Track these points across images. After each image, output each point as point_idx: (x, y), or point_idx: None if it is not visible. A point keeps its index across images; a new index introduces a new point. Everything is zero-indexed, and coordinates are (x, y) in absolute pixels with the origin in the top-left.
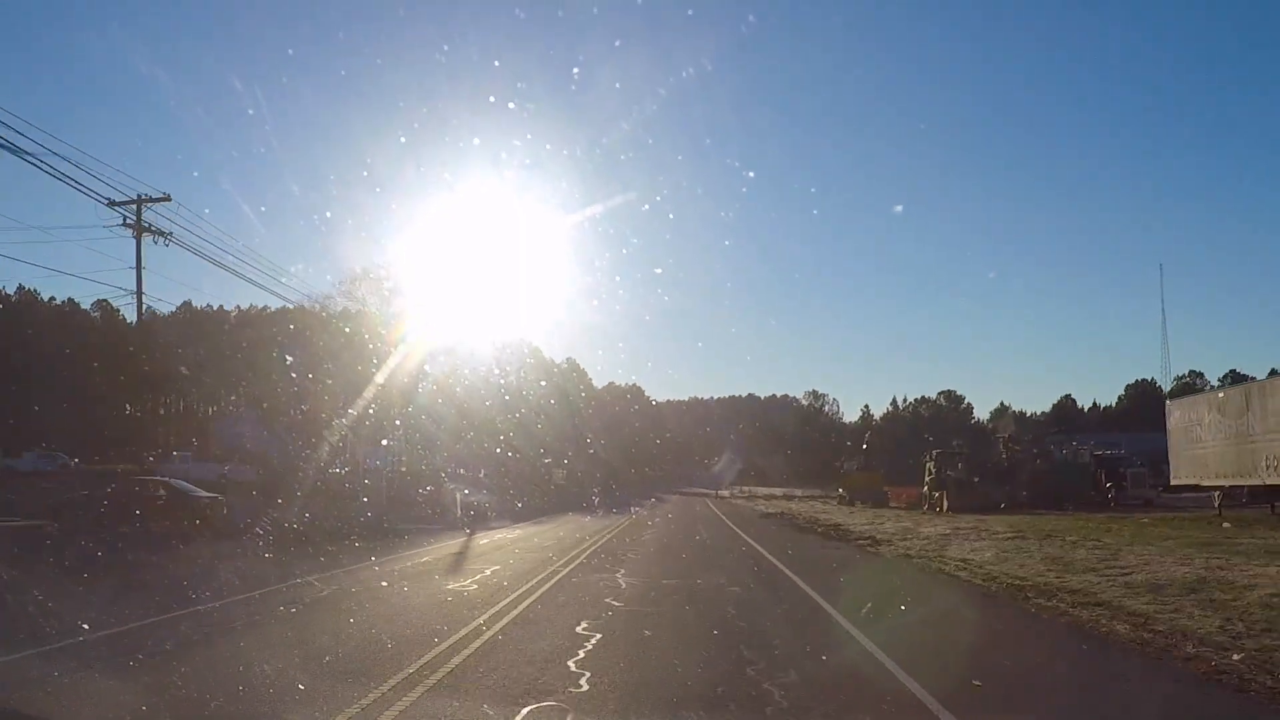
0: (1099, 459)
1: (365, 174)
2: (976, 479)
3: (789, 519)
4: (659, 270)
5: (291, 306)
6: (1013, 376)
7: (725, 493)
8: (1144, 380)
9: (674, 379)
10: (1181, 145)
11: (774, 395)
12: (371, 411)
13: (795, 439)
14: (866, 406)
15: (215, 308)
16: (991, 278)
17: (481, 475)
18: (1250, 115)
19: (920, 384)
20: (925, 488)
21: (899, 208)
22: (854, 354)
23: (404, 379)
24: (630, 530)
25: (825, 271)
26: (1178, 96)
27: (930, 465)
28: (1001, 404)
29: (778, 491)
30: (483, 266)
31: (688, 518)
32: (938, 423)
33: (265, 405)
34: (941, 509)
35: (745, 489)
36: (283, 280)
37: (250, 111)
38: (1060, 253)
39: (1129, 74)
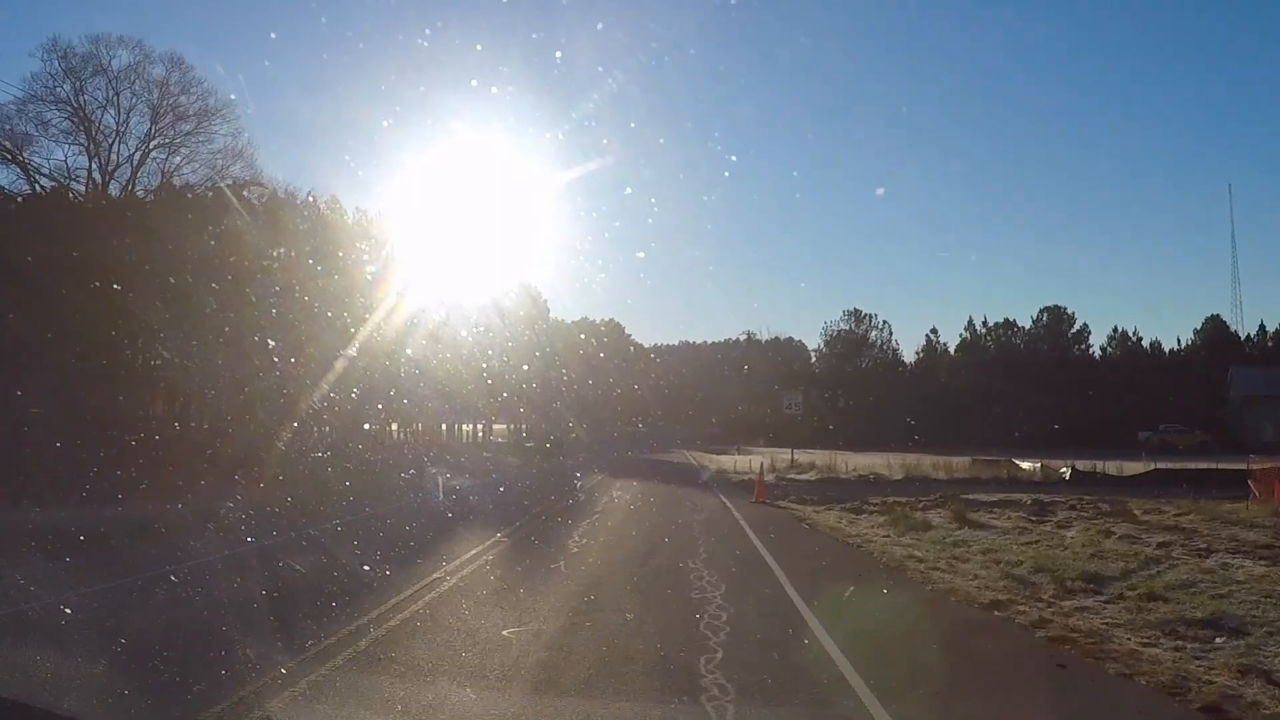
0: None
1: None
2: None
3: None
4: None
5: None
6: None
7: (749, 465)
8: None
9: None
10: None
11: (778, 338)
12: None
13: (830, 381)
14: (934, 331)
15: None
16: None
17: None
18: None
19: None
20: None
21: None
22: (891, 279)
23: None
24: None
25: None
26: None
27: None
28: (1116, 328)
29: (857, 464)
30: (447, 204)
31: None
32: (1039, 352)
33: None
34: None
35: (782, 458)
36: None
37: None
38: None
39: None
